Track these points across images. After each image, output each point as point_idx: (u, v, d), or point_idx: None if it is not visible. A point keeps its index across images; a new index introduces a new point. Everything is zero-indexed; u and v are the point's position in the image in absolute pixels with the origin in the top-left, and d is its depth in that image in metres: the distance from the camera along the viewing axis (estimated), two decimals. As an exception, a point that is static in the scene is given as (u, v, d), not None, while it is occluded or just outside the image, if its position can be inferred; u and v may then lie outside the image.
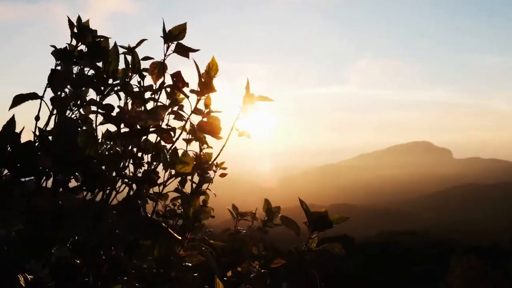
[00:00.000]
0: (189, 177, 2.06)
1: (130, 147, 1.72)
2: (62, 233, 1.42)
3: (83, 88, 1.74)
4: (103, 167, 1.61)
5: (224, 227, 2.33)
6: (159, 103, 1.81)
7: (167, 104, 1.89)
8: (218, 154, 2.03)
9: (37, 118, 1.62)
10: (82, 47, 1.79)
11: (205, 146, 2.11)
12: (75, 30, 1.77)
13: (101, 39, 1.78)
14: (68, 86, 1.69)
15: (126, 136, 1.68)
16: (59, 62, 1.71)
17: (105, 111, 1.69)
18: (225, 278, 1.90)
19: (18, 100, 1.63)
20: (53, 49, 1.73)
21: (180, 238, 1.54)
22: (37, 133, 1.57)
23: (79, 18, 1.77)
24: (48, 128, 1.63)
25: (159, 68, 1.79)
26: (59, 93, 1.67)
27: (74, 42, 1.78)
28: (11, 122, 1.47)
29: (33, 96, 1.65)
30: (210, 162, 2.11)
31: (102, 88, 1.70)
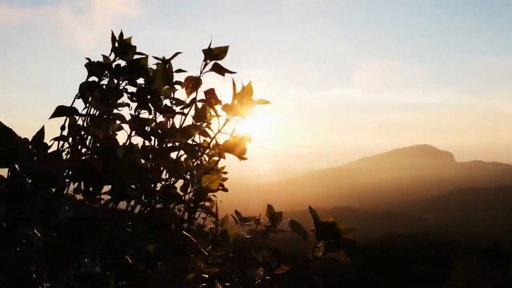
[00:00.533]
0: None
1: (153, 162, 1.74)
2: (87, 243, 1.44)
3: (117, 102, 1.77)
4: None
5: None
6: (185, 118, 1.84)
7: (195, 118, 1.91)
8: (219, 159, 2.06)
9: (62, 127, 1.65)
10: (117, 61, 1.81)
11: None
12: (116, 45, 1.79)
13: (141, 57, 1.81)
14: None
15: (157, 151, 1.71)
16: (90, 74, 1.73)
17: (140, 125, 1.72)
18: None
19: (60, 112, 1.67)
20: (87, 61, 1.75)
21: (206, 254, 1.57)
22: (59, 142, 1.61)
23: (121, 34, 1.80)
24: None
25: (194, 83, 1.82)
26: (88, 105, 1.70)
27: (112, 56, 1.80)
28: (41, 132, 1.51)
29: (74, 111, 1.69)
30: (217, 169, 2.13)
31: (143, 104, 1.72)
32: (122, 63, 1.79)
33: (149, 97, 1.75)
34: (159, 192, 1.68)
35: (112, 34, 1.79)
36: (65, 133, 1.68)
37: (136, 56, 1.79)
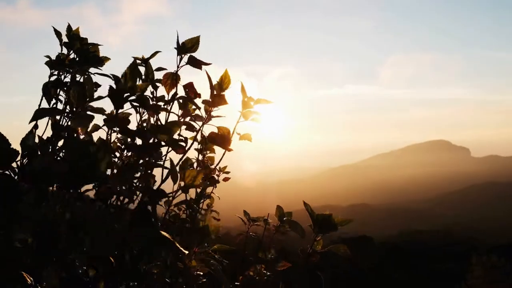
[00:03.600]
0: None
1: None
2: (76, 240, 1.43)
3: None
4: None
5: (240, 230, 2.36)
6: (171, 114, 1.83)
7: (179, 114, 1.91)
8: (221, 159, 2.04)
9: (35, 126, 1.63)
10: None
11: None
12: (65, 39, 1.79)
13: (90, 46, 1.80)
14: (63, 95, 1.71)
15: (141, 149, 1.69)
16: (53, 71, 1.73)
17: (120, 123, 1.70)
18: (236, 283, 1.90)
19: (40, 114, 1.64)
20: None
21: (186, 252, 1.55)
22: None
23: (69, 27, 1.79)
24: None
25: (172, 79, 1.80)
26: (53, 102, 1.69)
27: (65, 51, 1.80)
28: (29, 134, 1.50)
29: (55, 111, 1.67)
30: (213, 167, 2.11)
31: (119, 102, 1.70)
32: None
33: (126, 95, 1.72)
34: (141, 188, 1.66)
35: (54, 29, 1.78)
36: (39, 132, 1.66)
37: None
